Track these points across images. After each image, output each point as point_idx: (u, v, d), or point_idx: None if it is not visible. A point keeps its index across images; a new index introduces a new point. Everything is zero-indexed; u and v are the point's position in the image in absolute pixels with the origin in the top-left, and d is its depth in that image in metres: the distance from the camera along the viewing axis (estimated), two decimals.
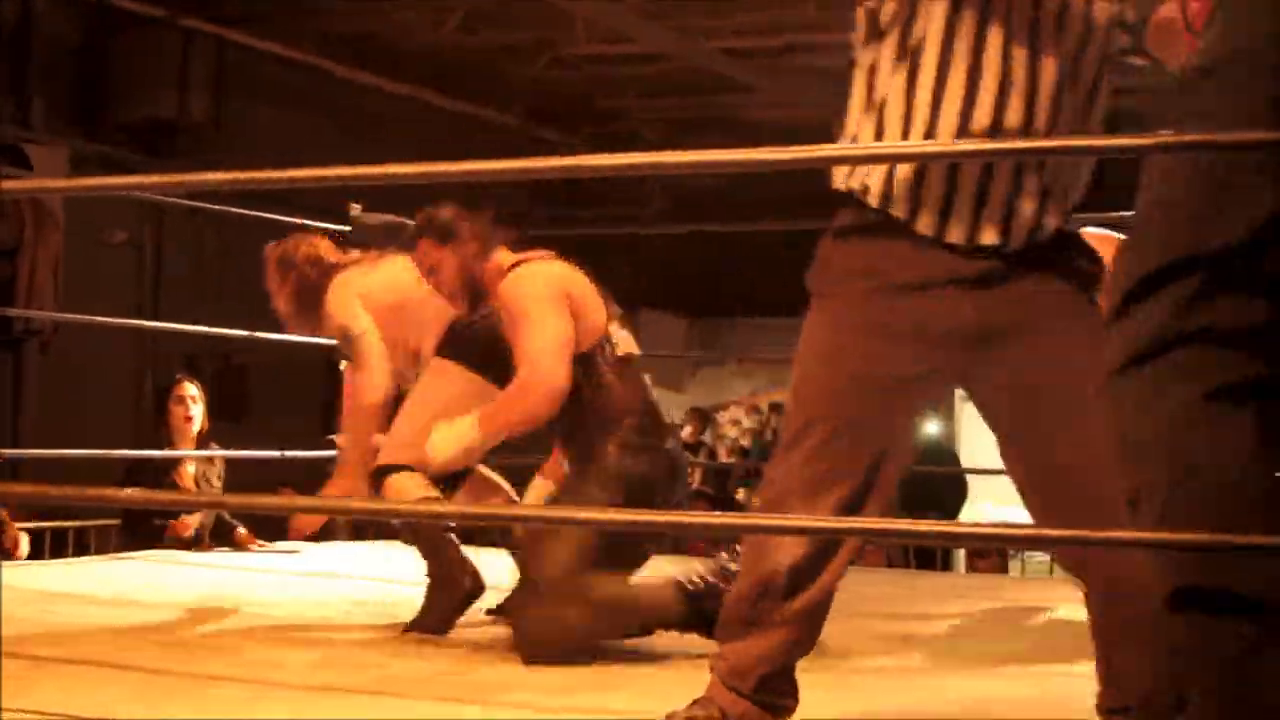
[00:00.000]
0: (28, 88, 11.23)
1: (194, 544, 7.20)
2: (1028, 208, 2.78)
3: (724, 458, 17.37)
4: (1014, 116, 2.76)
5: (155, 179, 6.32)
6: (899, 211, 2.81)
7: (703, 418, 16.06)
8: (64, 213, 11.14)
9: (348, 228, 7.09)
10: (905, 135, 2.80)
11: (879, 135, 2.83)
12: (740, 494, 15.05)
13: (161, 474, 7.48)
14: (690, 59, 12.67)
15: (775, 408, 16.74)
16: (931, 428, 16.37)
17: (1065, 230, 2.84)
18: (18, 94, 11.18)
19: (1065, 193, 2.82)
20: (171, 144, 11.64)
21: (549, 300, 4.31)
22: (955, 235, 2.79)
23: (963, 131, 2.76)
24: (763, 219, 15.20)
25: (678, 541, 8.72)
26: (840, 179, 2.89)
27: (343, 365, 6.22)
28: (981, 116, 2.75)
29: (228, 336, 7.78)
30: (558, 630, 3.99)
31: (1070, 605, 5.62)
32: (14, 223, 10.89)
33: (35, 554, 7.52)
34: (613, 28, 11.95)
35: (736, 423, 17.90)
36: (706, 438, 16.72)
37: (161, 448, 7.58)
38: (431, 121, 13.49)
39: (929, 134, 2.78)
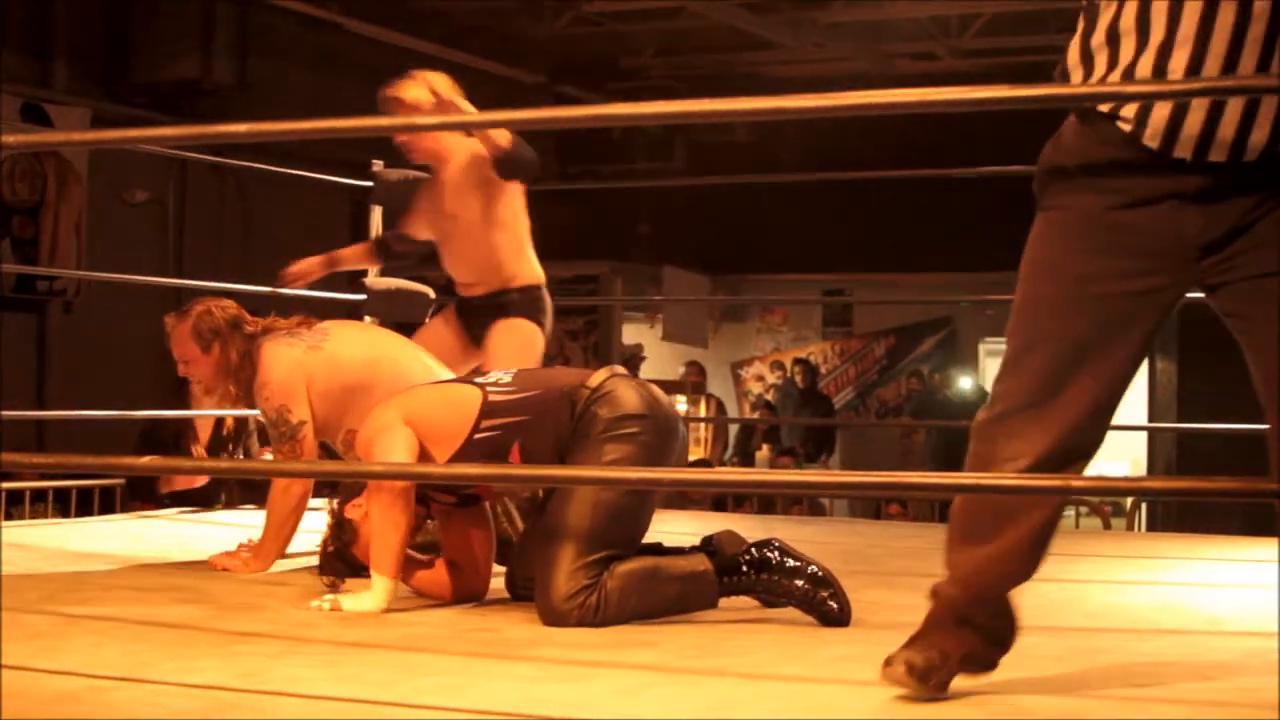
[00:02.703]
0: (51, 49, 11.23)
1: (209, 498, 7.26)
2: (1260, 128, 2.76)
3: (747, 413, 17.36)
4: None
5: (150, 132, 6.31)
6: (1127, 124, 2.82)
7: (700, 369, 16.05)
8: (87, 172, 11.15)
9: (369, 183, 7.09)
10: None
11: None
12: (763, 450, 15.04)
13: (179, 437, 7.50)
14: (712, 15, 12.63)
15: (800, 363, 16.73)
16: (966, 382, 16.38)
17: None
18: (41, 55, 11.18)
19: None
20: (195, 105, 11.63)
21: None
22: (1183, 150, 2.79)
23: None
24: (785, 174, 15.18)
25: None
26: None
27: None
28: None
29: (252, 293, 7.77)
30: (578, 608, 3.97)
31: (1095, 561, 5.63)
32: (36, 179, 10.90)
33: (62, 512, 7.55)
34: None
35: (760, 378, 17.89)
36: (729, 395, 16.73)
37: (181, 402, 7.61)
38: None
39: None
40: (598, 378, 4.25)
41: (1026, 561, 3.02)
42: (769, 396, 17.43)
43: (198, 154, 8.67)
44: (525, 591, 4.22)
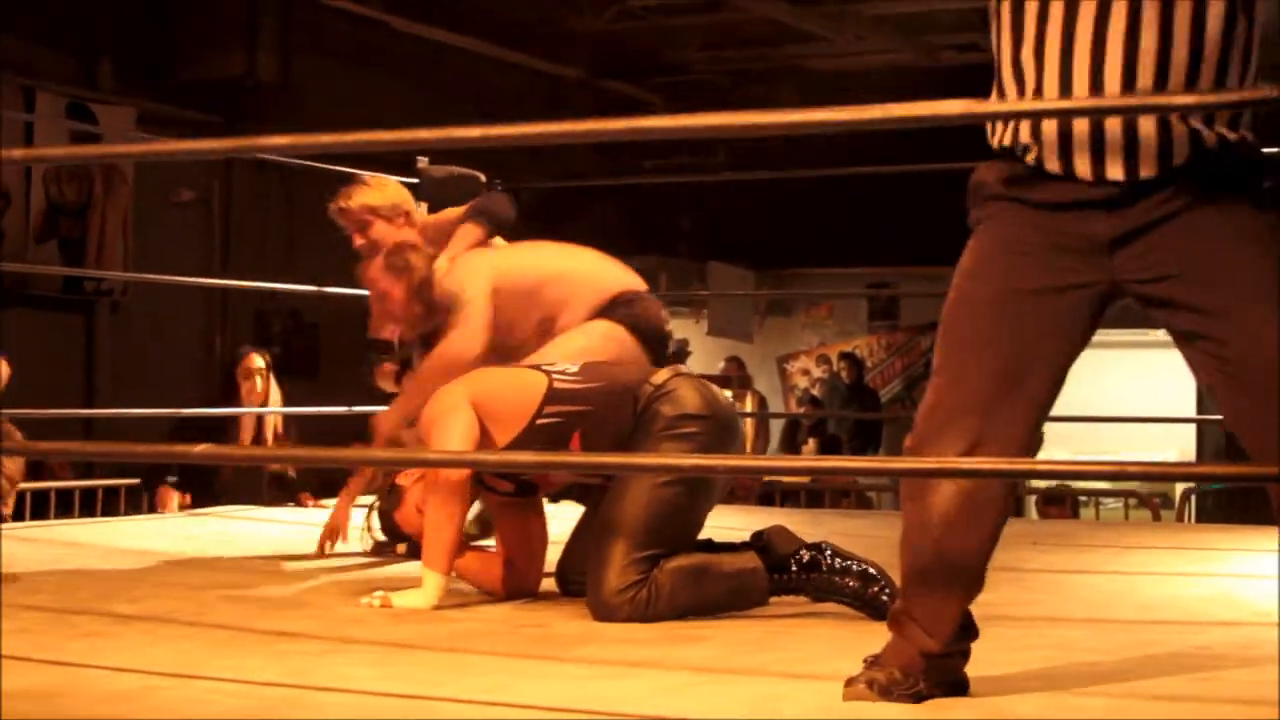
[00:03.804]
0: (96, 48, 11.27)
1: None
2: (1151, 140, 2.79)
3: (793, 408, 17.34)
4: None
5: (189, 144, 6.35)
6: (1031, 154, 2.89)
7: (740, 364, 16.02)
8: (133, 172, 11.20)
9: (415, 179, 7.10)
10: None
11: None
12: (809, 445, 15.01)
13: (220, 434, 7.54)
14: (754, 9, 12.61)
15: (845, 357, 16.69)
16: None
17: (1223, 144, 2.82)
18: (86, 54, 11.23)
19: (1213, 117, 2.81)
20: (239, 103, 11.66)
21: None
22: (1082, 171, 2.84)
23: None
24: (828, 168, 15.11)
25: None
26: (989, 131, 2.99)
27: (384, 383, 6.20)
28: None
29: (298, 293, 7.80)
30: (628, 602, 3.97)
31: (1145, 553, 5.60)
32: (83, 180, 10.96)
33: (110, 511, 7.58)
34: None
35: (806, 373, 17.85)
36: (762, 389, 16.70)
37: (231, 404, 7.66)
38: (499, 75, 13.49)
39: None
40: (662, 375, 4.27)
41: (974, 581, 3.00)
42: (815, 391, 17.39)
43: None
44: (576, 586, 4.23)
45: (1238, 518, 9.74)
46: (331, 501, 7.12)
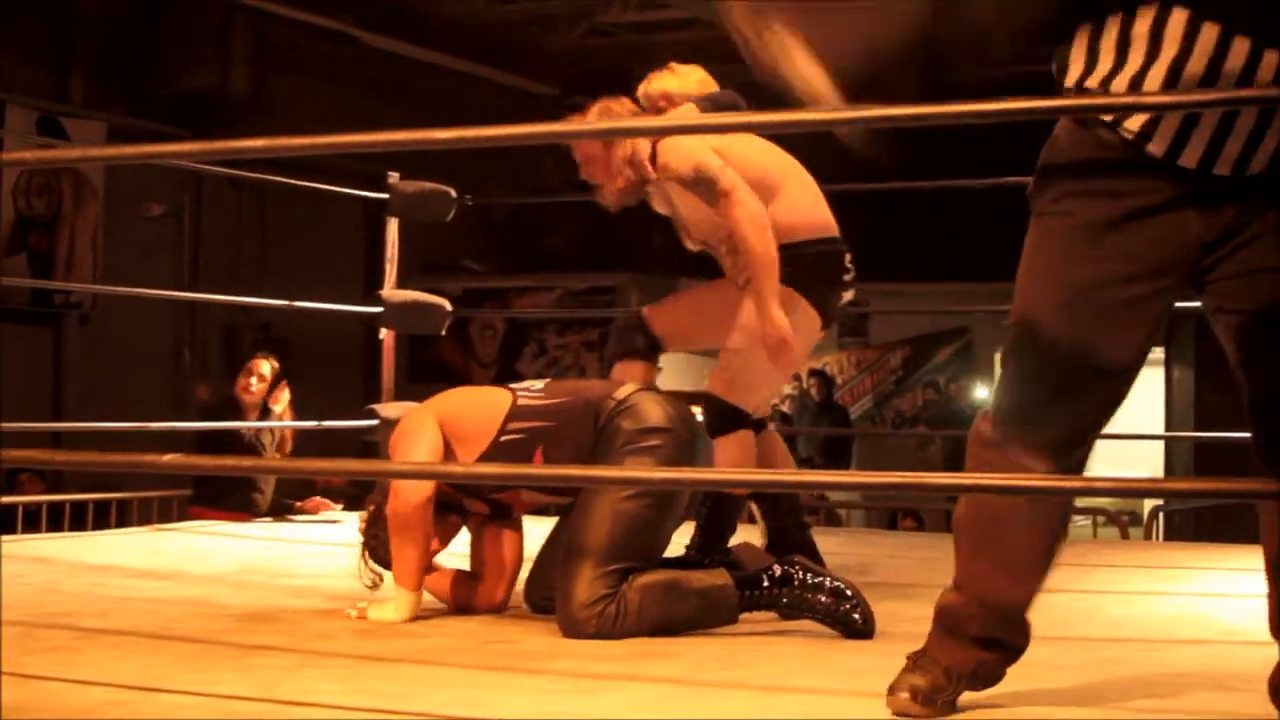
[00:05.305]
0: (68, 62, 11.26)
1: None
2: (1270, 140, 2.75)
3: None
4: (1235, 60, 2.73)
5: (163, 148, 6.33)
6: (1129, 132, 2.79)
7: None
8: (103, 185, 11.17)
9: (385, 195, 7.09)
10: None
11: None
12: None
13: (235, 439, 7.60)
14: (726, 26, 12.62)
15: (815, 374, 16.69)
16: (982, 391, 16.36)
17: None
18: (57, 69, 11.21)
19: None
20: (211, 118, 11.66)
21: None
22: (1189, 160, 2.77)
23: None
24: None
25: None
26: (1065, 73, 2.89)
27: (383, 334, 6.17)
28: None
29: (268, 308, 7.81)
30: (596, 617, 3.97)
31: (1113, 571, 5.62)
32: (52, 194, 10.93)
33: (78, 526, 7.55)
34: None
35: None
36: None
37: (234, 413, 7.75)
38: (471, 92, 13.49)
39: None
40: (624, 390, 4.27)
41: (1035, 571, 3.00)
42: (785, 408, 17.40)
43: (214, 167, 8.69)
44: (544, 603, 4.23)
45: (1206, 536, 9.77)
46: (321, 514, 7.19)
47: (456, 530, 4.46)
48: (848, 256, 5.06)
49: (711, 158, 4.85)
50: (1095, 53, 2.84)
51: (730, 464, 4.80)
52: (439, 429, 4.29)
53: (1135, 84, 2.77)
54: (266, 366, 7.90)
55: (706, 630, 4.03)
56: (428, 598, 4.28)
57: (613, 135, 4.87)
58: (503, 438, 4.26)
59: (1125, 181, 2.82)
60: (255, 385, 7.81)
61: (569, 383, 4.52)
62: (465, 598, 4.39)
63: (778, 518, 5.13)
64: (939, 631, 3.02)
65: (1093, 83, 2.82)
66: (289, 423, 7.80)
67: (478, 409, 4.36)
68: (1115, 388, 2.92)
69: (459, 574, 4.44)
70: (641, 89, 5.27)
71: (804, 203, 5.03)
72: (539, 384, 4.42)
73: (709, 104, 5.07)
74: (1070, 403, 2.90)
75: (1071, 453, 2.93)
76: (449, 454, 4.28)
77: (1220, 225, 2.79)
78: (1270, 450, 2.83)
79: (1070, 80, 2.86)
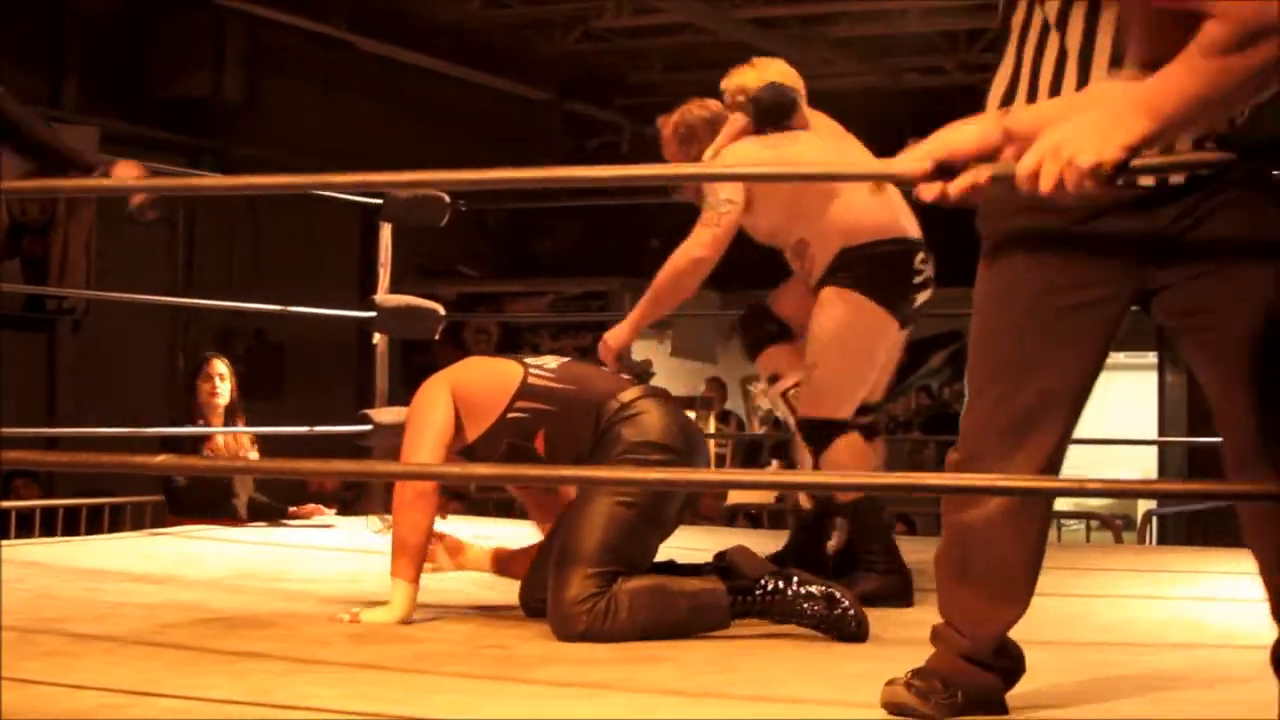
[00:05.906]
0: (61, 66, 11.25)
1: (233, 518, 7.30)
2: (1182, 149, 2.77)
3: (756, 429, 17.34)
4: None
5: (166, 182, 6.34)
6: None
7: (720, 386, 16.02)
8: None
9: (379, 200, 7.09)
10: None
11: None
12: (773, 465, 15.02)
13: (196, 446, 7.52)
14: (719, 31, 12.64)
15: None
16: None
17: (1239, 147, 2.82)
18: (51, 73, 11.20)
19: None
20: (205, 123, 11.65)
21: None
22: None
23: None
24: None
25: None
26: None
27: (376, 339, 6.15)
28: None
29: (262, 313, 7.80)
30: (587, 612, 3.97)
31: (1106, 575, 5.62)
32: (46, 199, 10.92)
33: (71, 530, 7.55)
34: (643, 0, 11.96)
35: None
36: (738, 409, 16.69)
37: (191, 424, 7.63)
38: (465, 97, 13.49)
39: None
40: (631, 393, 4.26)
41: (1019, 594, 3.02)
42: (776, 413, 17.40)
43: (207, 172, 8.69)
44: (539, 605, 4.23)
45: (1199, 540, 9.78)
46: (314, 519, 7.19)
47: (444, 515, 4.54)
48: (919, 257, 5.05)
49: (725, 193, 4.94)
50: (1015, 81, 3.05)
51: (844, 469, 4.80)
52: (452, 402, 4.34)
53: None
54: (223, 365, 7.82)
55: (698, 635, 4.03)
56: (422, 598, 4.28)
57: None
58: (509, 414, 4.31)
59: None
60: (220, 386, 7.72)
61: (580, 369, 4.48)
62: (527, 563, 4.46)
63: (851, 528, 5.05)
64: (938, 654, 3.05)
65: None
66: (287, 429, 7.78)
67: (489, 381, 4.40)
68: (1076, 402, 2.95)
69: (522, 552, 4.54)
70: (723, 83, 5.26)
71: (866, 203, 4.98)
72: (553, 363, 4.43)
73: (753, 103, 5.08)
74: (1035, 425, 2.92)
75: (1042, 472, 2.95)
76: (459, 427, 4.33)
77: (1162, 222, 2.82)
78: (1232, 459, 2.86)
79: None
